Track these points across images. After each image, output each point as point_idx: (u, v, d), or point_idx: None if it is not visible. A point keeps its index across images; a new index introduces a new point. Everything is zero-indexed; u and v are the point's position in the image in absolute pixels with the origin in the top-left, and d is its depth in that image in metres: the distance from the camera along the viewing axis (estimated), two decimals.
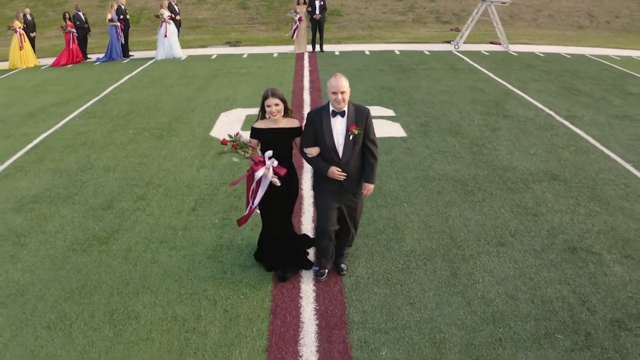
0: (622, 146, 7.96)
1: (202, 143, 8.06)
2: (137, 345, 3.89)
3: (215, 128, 8.78)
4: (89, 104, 10.74)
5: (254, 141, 4.34)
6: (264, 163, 4.29)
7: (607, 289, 4.54)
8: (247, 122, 8.97)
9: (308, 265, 4.72)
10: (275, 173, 4.27)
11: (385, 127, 8.56)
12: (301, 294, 4.40)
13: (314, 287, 4.49)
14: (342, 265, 4.67)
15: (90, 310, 4.31)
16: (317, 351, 3.78)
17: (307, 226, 5.40)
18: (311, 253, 4.93)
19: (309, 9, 15.98)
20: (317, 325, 4.04)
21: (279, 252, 4.58)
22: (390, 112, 9.48)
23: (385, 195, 6.13)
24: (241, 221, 4.59)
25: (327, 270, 4.59)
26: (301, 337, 3.92)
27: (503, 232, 5.37)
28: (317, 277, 4.55)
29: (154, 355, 3.78)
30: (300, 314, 4.17)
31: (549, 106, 10.02)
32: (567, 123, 9.01)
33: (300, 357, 3.73)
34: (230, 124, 8.98)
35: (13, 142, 8.58)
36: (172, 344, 3.88)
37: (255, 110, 9.51)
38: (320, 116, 4.24)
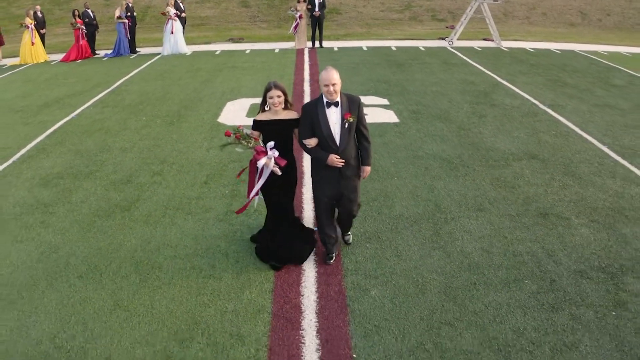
0: (599, 131, 8.58)
1: (211, 128, 8.69)
2: (160, 289, 4.51)
3: (222, 115, 9.42)
4: (101, 95, 11.37)
5: (256, 132, 4.60)
6: (265, 153, 4.52)
7: (573, 246, 5.16)
8: (252, 110, 9.59)
9: (307, 251, 4.91)
10: (275, 163, 4.52)
11: (380, 113, 9.18)
12: None
13: None
14: (346, 238, 5.11)
15: (118, 263, 4.93)
16: (316, 291, 4.41)
17: (307, 195, 6.05)
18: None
19: (309, 6, 16.61)
20: (316, 272, 4.67)
21: (281, 237, 4.76)
22: (384, 101, 10.10)
23: (378, 171, 6.76)
24: (240, 211, 4.92)
25: (334, 255, 4.81)
26: (302, 280, 4.55)
27: (482, 201, 6.00)
28: (326, 261, 4.76)
29: (176, 296, 4.41)
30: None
31: (534, 96, 10.65)
32: (550, 111, 9.64)
33: (302, 296, 4.36)
34: (236, 111, 9.62)
35: (33, 128, 9.20)
36: (191, 287, 4.51)
37: (259, 100, 10.20)
38: (316, 108, 4.45)
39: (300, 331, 3.97)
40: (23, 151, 8.04)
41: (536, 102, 10.24)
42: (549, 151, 7.59)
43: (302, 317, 4.11)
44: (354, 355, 3.72)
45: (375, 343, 3.83)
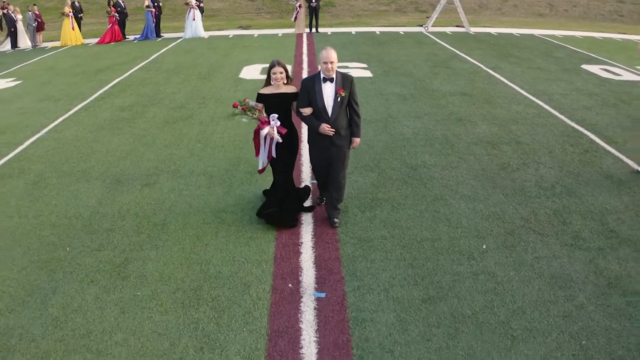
0: (523, 82, 11.58)
1: (234, 81, 11.75)
2: (217, 149, 7.55)
3: (242, 73, 12.48)
4: (142, 63, 14.41)
5: (260, 104, 5.12)
6: (268, 123, 5.06)
7: (474, 133, 8.17)
8: (263, 71, 12.61)
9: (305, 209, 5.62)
10: (278, 132, 5.07)
11: (359, 72, 12.19)
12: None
13: None
14: (335, 220, 5.39)
15: (187, 140, 7.96)
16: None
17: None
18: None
19: None
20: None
21: (283, 197, 5.38)
22: (364, 65, 13.14)
23: None
24: (261, 171, 5.54)
25: (324, 198, 5.57)
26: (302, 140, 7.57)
27: (420, 113, 9.04)
28: (318, 203, 5.72)
29: (227, 150, 7.45)
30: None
31: (481, 62, 13.68)
32: (490, 71, 12.66)
33: (302, 146, 7.38)
34: (252, 72, 12.67)
35: (96, 83, 12.20)
36: (235, 148, 7.56)
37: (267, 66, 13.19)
38: (313, 82, 4.99)
39: (302, 160, 6.99)
40: (96, 95, 11.04)
41: (481, 65, 13.27)
42: (477, 91, 10.62)
43: (300, 159, 7.16)
44: None
45: None
